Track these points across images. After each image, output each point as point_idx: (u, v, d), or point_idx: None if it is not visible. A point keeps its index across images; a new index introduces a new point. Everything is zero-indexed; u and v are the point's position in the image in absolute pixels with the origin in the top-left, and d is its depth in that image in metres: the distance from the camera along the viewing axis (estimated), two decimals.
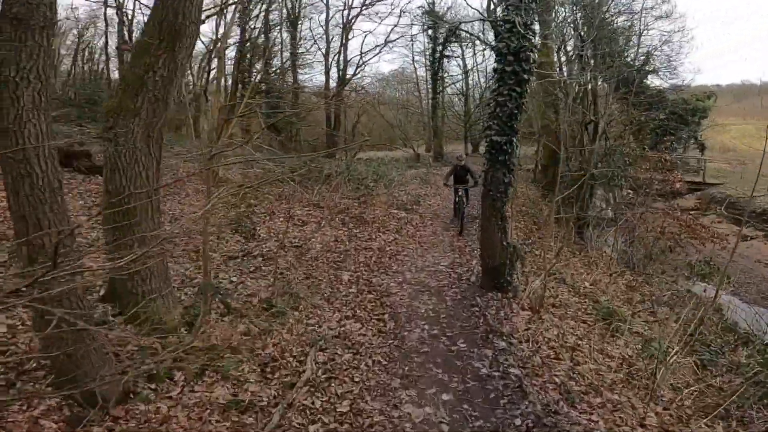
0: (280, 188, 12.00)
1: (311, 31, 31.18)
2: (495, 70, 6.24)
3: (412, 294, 6.72)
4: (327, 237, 8.79)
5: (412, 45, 38.16)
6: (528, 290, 6.88)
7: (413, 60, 35.09)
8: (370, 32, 38.51)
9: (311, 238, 8.66)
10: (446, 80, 31.73)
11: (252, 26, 29.40)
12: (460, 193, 9.84)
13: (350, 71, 30.66)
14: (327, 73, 30.61)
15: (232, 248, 7.92)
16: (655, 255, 9.64)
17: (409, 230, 10.02)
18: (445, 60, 30.73)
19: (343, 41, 30.33)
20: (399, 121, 32.99)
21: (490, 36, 30.15)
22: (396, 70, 38.18)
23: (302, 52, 30.65)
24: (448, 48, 30.47)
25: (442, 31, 29.45)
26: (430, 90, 32.03)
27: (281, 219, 9.60)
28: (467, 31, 27.39)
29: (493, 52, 6.28)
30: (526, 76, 5.96)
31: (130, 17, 25.07)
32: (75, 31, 26.93)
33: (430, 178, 18.08)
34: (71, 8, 24.61)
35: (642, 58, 25.62)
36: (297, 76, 30.43)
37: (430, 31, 29.71)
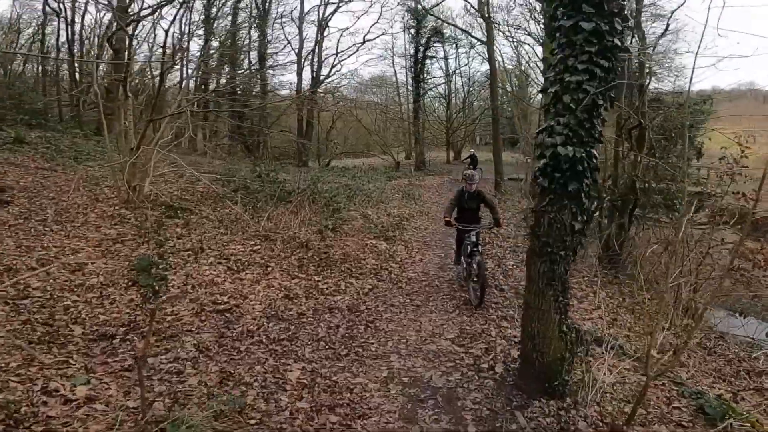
0: (225, 209, 9.10)
1: (282, 27, 28.44)
2: (553, 32, 3.51)
3: (406, 408, 3.93)
4: (274, 291, 5.94)
5: (393, 45, 35.92)
6: (594, 390, 4.18)
7: (393, 62, 32.79)
8: (347, 29, 35.78)
9: (249, 294, 5.79)
10: (428, 83, 29.33)
11: (219, 23, 26.63)
12: (472, 239, 6.15)
13: (326, 72, 28.08)
14: (300, 73, 27.86)
15: (114, 317, 4.98)
16: (732, 303, 7.19)
17: (392, 271, 7.24)
18: (428, 61, 28.41)
19: (318, 39, 27.70)
20: (377, 127, 30.46)
21: (477, 34, 28.13)
22: (375, 74, 35.87)
23: (272, 53, 27.90)
24: (432, 48, 28.16)
25: (426, 30, 27.17)
26: (411, 93, 29.69)
27: (212, 259, 6.69)
28: (456, 25, 24.98)
29: (540, 3, 3.48)
30: (617, 41, 3.28)
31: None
32: (30, 30, 23.93)
33: (413, 192, 15.40)
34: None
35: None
36: (266, 77, 27.63)
37: (412, 30, 27.39)
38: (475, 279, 6.01)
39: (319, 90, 27.84)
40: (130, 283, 5.76)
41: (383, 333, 5.23)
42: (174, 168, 11.47)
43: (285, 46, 27.22)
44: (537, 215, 3.51)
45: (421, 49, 27.19)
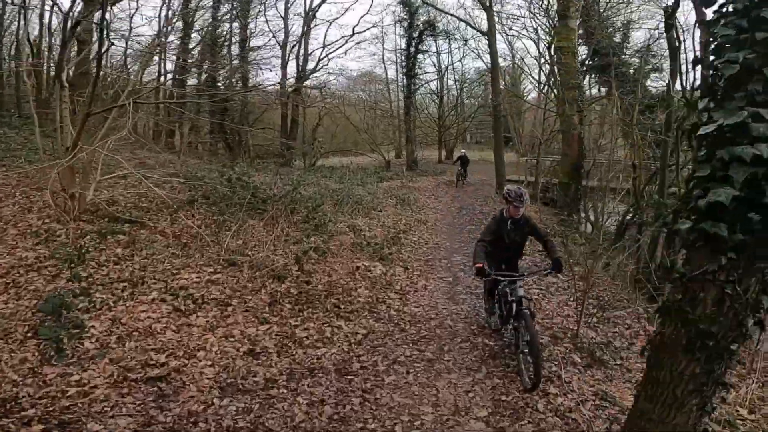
0: (188, 220, 7.46)
1: (266, 20, 26.71)
2: None
3: None
4: (233, 345, 4.35)
5: (383, 39, 34.53)
6: None
7: (383, 58, 31.27)
8: (336, 20, 34.12)
9: (198, 350, 4.20)
10: (421, 78, 27.82)
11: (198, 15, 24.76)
12: (519, 292, 4.17)
13: (312, 66, 26.43)
14: (284, 66, 26.16)
15: None
16: None
17: (391, 306, 5.68)
18: (420, 56, 26.89)
19: (305, 29, 26.02)
20: (366, 125, 28.91)
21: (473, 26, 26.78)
22: (364, 69, 34.38)
23: (255, 47, 26.14)
24: (424, 42, 26.67)
25: (418, 24, 25.68)
26: (403, 89, 28.20)
27: (155, 294, 5.07)
28: (455, 15, 23.45)
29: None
30: None
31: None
32: None
33: (408, 196, 13.86)
34: None
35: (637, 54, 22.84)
36: (247, 70, 25.91)
37: (404, 23, 25.85)
38: (525, 350, 4.07)
39: (305, 85, 26.23)
40: (30, 333, 4.15)
41: (387, 410, 3.68)
42: (127, 170, 9.74)
43: (270, 39, 25.44)
44: (689, 286, 1.96)
45: (414, 43, 25.68)
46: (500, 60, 27.11)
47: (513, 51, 28.21)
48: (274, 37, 25.37)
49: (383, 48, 30.41)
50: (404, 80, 26.37)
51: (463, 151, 19.93)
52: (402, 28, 26.12)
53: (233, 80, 25.85)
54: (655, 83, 22.28)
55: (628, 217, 11.39)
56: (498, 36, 25.46)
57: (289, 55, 25.97)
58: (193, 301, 4.93)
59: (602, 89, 21.74)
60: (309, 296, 5.27)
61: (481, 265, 4.15)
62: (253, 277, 5.46)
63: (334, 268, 6.23)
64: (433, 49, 28.99)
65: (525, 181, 19.22)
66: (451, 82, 32.09)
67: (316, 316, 4.95)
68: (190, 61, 23.46)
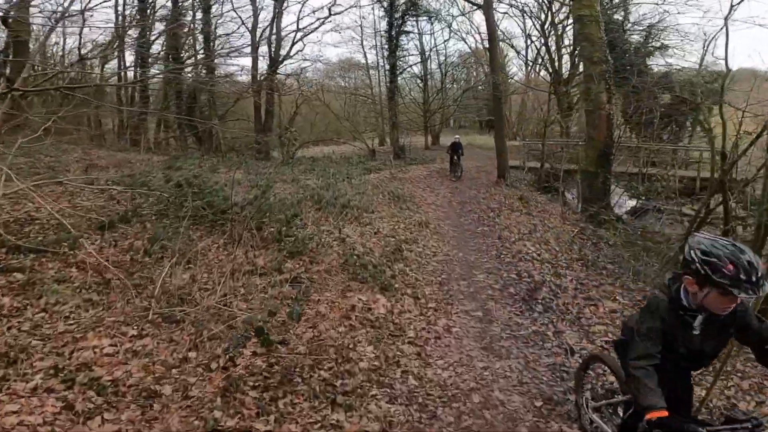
0: (127, 240, 5.54)
1: (232, 3, 24.33)
2: None
3: None
4: None
5: (361, 23, 32.61)
6: None
7: (362, 43, 29.08)
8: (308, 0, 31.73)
9: None
10: (404, 61, 25.92)
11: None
12: None
13: (285, 53, 24.22)
14: (254, 51, 23.86)
15: None
16: None
17: (409, 371, 3.84)
18: (403, 39, 24.96)
19: (276, 12, 23.73)
20: (347, 112, 26.96)
21: (455, 10, 24.93)
22: (344, 55, 32.37)
23: (222, 34, 23.77)
24: (407, 23, 24.73)
25: (400, 4, 23.68)
26: (384, 74, 26.27)
27: (40, 378, 3.19)
28: None
29: None
30: None
31: None
32: None
33: (402, 191, 12.05)
34: None
35: (640, 33, 21.51)
36: (212, 61, 23.57)
37: (385, 4, 23.80)
38: None
39: (279, 73, 24.08)
40: None
41: None
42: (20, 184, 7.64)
43: (239, 26, 23.19)
44: None
45: (396, 24, 23.75)
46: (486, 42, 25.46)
47: (498, 29, 26.62)
48: (243, 23, 23.09)
49: (362, 33, 28.22)
50: (386, 64, 24.49)
51: (456, 137, 17.74)
52: (382, 9, 24.15)
53: (198, 71, 23.58)
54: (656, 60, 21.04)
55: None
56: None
57: (259, 41, 23.77)
58: (98, 392, 3.07)
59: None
60: (285, 370, 3.43)
61: (666, 413, 1.77)
62: (200, 343, 3.60)
63: (320, 310, 4.39)
64: (416, 30, 27.16)
65: (525, 168, 17.65)
66: (434, 66, 30.30)
67: (298, 409, 3.11)
68: (150, 51, 21.15)
